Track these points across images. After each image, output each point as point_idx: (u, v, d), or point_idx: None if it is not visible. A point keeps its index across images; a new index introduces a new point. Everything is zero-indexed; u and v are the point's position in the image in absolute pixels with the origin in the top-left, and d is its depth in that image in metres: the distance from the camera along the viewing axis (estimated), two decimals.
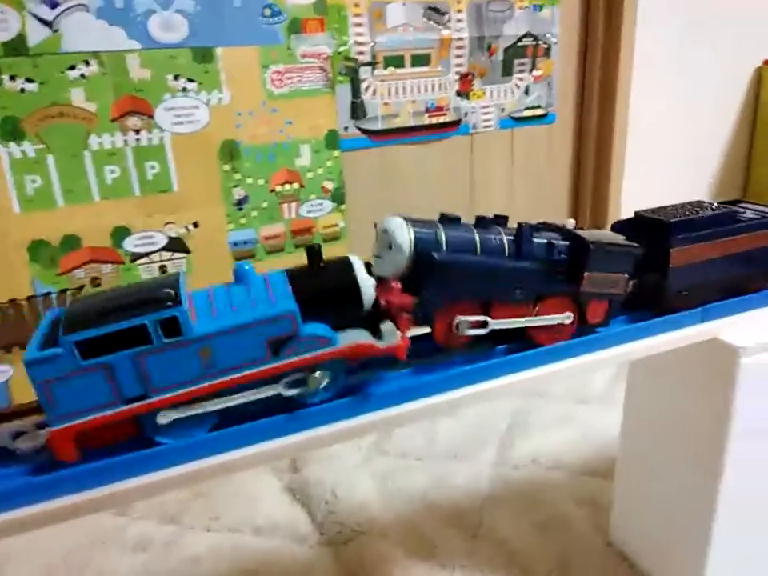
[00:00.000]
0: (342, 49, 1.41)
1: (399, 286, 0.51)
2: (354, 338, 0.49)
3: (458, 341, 0.55)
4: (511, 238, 0.56)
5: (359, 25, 1.42)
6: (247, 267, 0.50)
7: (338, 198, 1.50)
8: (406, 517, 0.96)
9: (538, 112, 1.73)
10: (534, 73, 1.68)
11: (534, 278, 0.56)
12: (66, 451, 0.44)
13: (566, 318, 0.58)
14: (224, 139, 1.34)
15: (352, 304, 0.50)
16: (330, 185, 1.48)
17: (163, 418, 0.46)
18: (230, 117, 1.33)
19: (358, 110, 1.47)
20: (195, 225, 1.35)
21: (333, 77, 1.42)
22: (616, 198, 1.85)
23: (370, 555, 0.89)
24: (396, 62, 1.49)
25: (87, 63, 1.18)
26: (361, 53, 1.44)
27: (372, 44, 1.44)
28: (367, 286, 0.50)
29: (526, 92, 1.69)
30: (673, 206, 0.68)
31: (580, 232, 0.60)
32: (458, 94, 1.59)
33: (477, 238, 0.55)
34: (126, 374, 0.44)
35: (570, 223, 0.64)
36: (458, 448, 1.12)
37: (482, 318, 0.55)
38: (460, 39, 1.54)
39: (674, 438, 0.77)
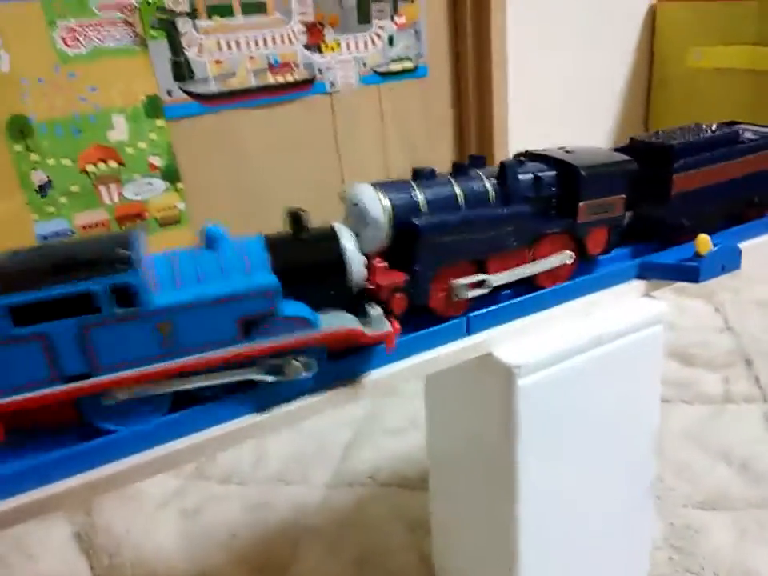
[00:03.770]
0: None
1: (384, 264, 0.46)
2: (338, 321, 0.43)
3: (458, 307, 0.50)
4: (494, 180, 0.51)
5: None
6: (218, 230, 0.43)
7: (171, 175, 1.30)
8: (202, 566, 0.82)
9: (407, 65, 1.54)
10: (397, 20, 1.49)
11: (526, 220, 0.51)
12: None
13: (568, 257, 0.53)
14: (10, 114, 1.12)
15: (337, 281, 0.44)
16: (157, 161, 1.28)
17: (110, 400, 0.38)
18: (13, 86, 1.11)
19: (182, 71, 1.26)
20: None
21: (144, 32, 1.20)
22: (503, 151, 1.71)
23: None
24: (223, 10, 1.27)
25: None
26: (176, 1, 1.22)
27: None
28: (356, 261, 0.44)
29: (390, 42, 1.50)
30: (669, 129, 0.62)
31: (565, 156, 0.54)
32: (308, 47, 1.39)
33: (457, 190, 0.50)
34: (67, 347, 0.37)
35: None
36: (290, 467, 0.98)
37: (479, 277, 0.49)
38: None
39: (470, 459, 0.64)
